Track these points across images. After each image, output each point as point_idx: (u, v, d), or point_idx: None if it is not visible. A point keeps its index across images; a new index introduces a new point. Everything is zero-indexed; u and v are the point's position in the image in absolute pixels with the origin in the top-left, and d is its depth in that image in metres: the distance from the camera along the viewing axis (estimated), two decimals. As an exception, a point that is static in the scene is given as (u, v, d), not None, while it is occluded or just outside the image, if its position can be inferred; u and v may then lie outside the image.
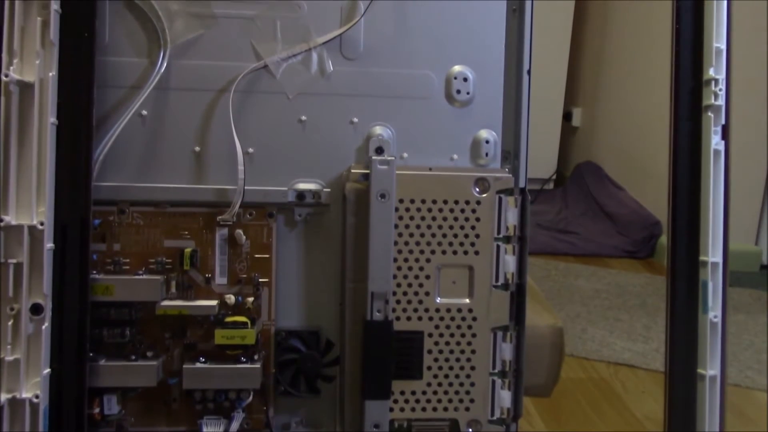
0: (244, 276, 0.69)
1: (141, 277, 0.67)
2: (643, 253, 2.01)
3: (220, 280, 0.69)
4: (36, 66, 0.60)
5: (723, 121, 0.70)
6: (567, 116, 2.67)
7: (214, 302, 0.68)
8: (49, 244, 0.61)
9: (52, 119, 0.61)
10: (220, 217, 0.68)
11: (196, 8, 0.67)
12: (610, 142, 2.47)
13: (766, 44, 1.68)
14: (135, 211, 0.68)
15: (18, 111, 0.60)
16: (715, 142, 0.70)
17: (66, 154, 0.62)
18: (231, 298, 0.69)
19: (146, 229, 0.68)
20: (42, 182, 0.60)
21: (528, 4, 0.70)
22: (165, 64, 0.66)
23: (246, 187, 0.67)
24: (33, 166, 0.60)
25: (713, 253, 0.70)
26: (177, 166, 0.68)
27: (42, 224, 0.60)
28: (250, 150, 0.69)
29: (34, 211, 0.60)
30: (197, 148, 0.68)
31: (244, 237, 0.69)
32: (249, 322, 0.68)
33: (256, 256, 0.69)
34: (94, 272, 0.66)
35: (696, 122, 0.71)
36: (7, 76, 0.59)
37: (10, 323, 0.60)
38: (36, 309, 0.60)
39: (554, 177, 2.65)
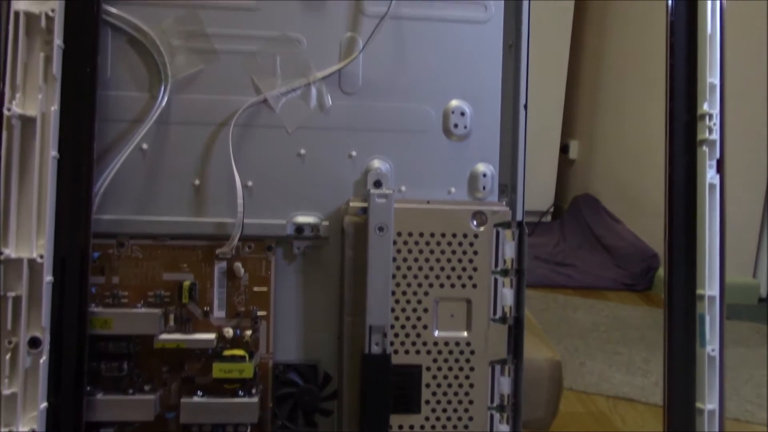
0: (243, 309, 0.69)
1: (139, 310, 0.67)
2: (641, 286, 2.01)
3: (218, 313, 0.69)
4: (38, 100, 0.61)
5: (718, 156, 0.71)
6: (564, 149, 2.68)
7: (212, 335, 0.68)
8: (48, 278, 0.61)
9: (54, 153, 0.61)
10: (219, 250, 0.68)
11: (197, 43, 0.68)
12: (606, 174, 2.48)
13: (766, 78, 1.69)
14: (134, 244, 0.68)
15: (19, 144, 0.61)
16: (710, 176, 0.70)
17: (67, 187, 0.62)
18: (229, 332, 0.69)
19: (145, 262, 0.68)
20: (42, 215, 0.61)
21: (524, 40, 0.71)
22: (166, 99, 0.67)
23: (245, 221, 0.67)
24: (33, 200, 0.60)
25: (710, 287, 0.70)
26: (177, 200, 0.68)
27: (42, 257, 0.60)
28: (250, 183, 0.69)
29: (34, 244, 0.60)
30: (197, 182, 0.68)
31: (242, 270, 0.69)
32: (247, 356, 0.68)
33: (255, 289, 0.69)
34: (93, 305, 0.66)
35: (691, 156, 0.71)
36: (9, 110, 0.60)
37: (7, 357, 0.60)
38: (34, 342, 0.60)
39: (552, 209, 2.66)
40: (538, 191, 2.56)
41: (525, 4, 0.71)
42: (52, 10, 0.61)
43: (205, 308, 0.69)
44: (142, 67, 0.67)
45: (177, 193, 0.68)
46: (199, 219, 0.68)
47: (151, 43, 0.67)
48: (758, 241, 1.90)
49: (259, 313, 0.69)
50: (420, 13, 0.70)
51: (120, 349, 0.67)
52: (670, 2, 0.72)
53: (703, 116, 0.71)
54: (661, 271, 1.98)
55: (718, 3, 0.71)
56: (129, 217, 0.67)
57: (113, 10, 0.66)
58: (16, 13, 0.60)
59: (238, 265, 0.69)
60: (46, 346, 0.61)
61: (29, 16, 0.61)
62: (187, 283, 0.68)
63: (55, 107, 0.61)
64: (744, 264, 1.90)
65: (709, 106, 0.70)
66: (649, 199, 2.12)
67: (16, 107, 0.60)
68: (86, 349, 0.63)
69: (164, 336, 0.67)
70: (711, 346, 0.70)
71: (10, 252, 0.60)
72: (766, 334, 1.65)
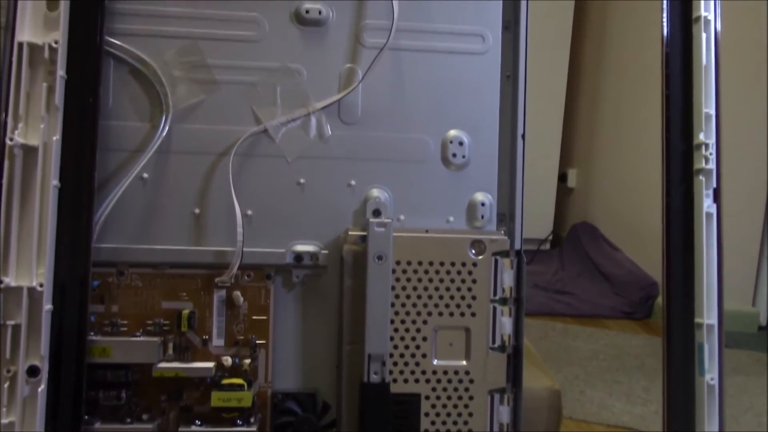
0: (242, 338, 0.69)
1: (138, 338, 0.67)
2: (640, 314, 2.01)
3: (217, 341, 0.69)
4: (40, 130, 0.61)
5: (714, 185, 0.71)
6: (562, 177, 2.69)
7: (210, 364, 0.68)
8: (47, 306, 0.61)
9: (55, 182, 0.62)
10: (218, 278, 0.68)
11: (198, 74, 0.69)
12: (605, 202, 2.49)
13: (765, 108, 1.71)
14: (134, 272, 0.68)
15: (21, 173, 0.61)
16: (707, 205, 0.71)
17: (67, 216, 0.62)
18: (228, 360, 0.69)
19: (144, 291, 0.68)
20: (43, 244, 0.61)
21: (521, 71, 0.72)
22: (167, 128, 0.68)
23: (244, 249, 0.67)
24: (34, 228, 0.61)
25: (708, 316, 0.70)
26: (177, 228, 0.69)
27: (41, 285, 0.60)
28: (249, 212, 0.69)
29: (34, 272, 0.61)
30: (197, 210, 0.69)
31: (242, 298, 0.69)
32: (245, 385, 0.67)
33: (254, 317, 0.69)
34: (92, 333, 0.66)
35: (688, 185, 0.72)
36: (11, 140, 0.60)
37: (6, 385, 0.60)
38: (33, 371, 0.60)
39: (551, 237, 2.66)
40: (537, 219, 2.57)
41: (522, 35, 0.72)
42: (56, 42, 0.62)
43: (204, 337, 0.69)
44: (143, 98, 0.68)
45: (177, 222, 0.69)
46: (198, 248, 0.69)
47: (152, 74, 0.68)
48: (757, 269, 1.90)
49: (258, 342, 0.69)
50: (418, 45, 0.71)
51: (118, 378, 0.67)
52: (665, 33, 0.73)
53: (699, 146, 0.71)
54: (660, 300, 1.98)
55: (712, 34, 0.72)
56: (129, 245, 0.68)
57: (116, 41, 0.67)
58: (20, 44, 0.61)
59: (237, 293, 0.69)
60: (44, 375, 0.61)
61: (33, 47, 0.62)
62: (186, 312, 0.68)
63: (56, 137, 0.62)
64: (743, 292, 1.90)
65: (705, 135, 0.71)
66: (647, 227, 2.12)
67: (18, 137, 0.61)
68: (84, 377, 0.63)
69: (163, 365, 0.67)
70: (710, 375, 0.70)
71: (10, 280, 0.60)
72: (765, 363, 1.65)
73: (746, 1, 1.60)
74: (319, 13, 0.69)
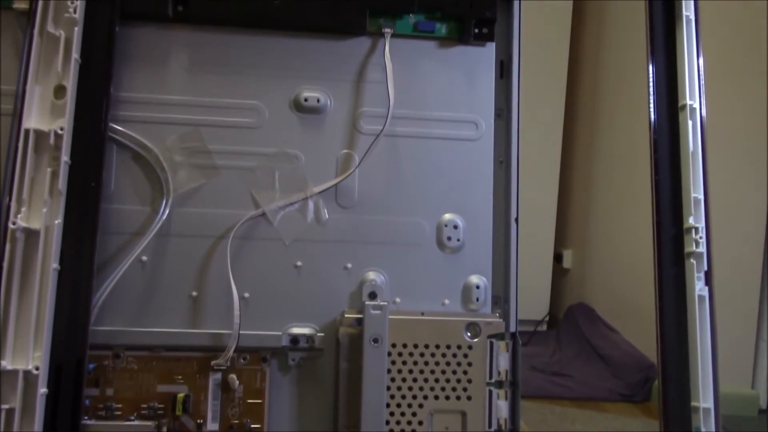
0: (236, 422, 0.69)
1: (132, 423, 0.67)
2: (639, 397, 1.98)
3: (211, 425, 0.68)
4: (43, 214, 0.62)
5: (705, 268, 0.72)
6: (558, 258, 2.70)
7: (204, 449, 0.67)
8: (42, 389, 0.61)
9: (55, 265, 0.62)
10: (214, 362, 0.68)
11: (198, 159, 0.70)
12: (601, 283, 2.49)
13: (766, 192, 1.73)
14: (130, 355, 0.68)
15: (22, 256, 0.62)
16: (699, 288, 0.72)
17: (66, 299, 0.63)
18: (222, 445, 0.68)
19: (140, 374, 0.68)
20: (40, 327, 0.61)
21: (514, 157, 0.74)
22: (167, 212, 0.69)
23: (241, 332, 0.68)
24: (33, 312, 0.61)
25: (704, 399, 0.70)
26: (174, 311, 0.69)
27: (37, 369, 0.60)
28: (246, 294, 0.70)
29: (31, 355, 0.61)
30: (194, 293, 0.69)
31: (237, 382, 0.69)
32: (239, 470, 0.67)
33: (249, 401, 0.69)
34: (86, 418, 0.65)
35: (680, 268, 0.73)
36: (14, 223, 0.61)
37: (-3, 471, 0.59)
38: (25, 456, 0.60)
39: (547, 318, 2.65)
40: (533, 300, 2.56)
41: (514, 123, 0.74)
42: (61, 128, 0.63)
43: (198, 420, 0.68)
44: (144, 182, 0.70)
45: (174, 305, 0.69)
46: (195, 330, 0.69)
47: (154, 159, 0.69)
48: (755, 350, 1.89)
49: (253, 426, 0.69)
50: (413, 131, 0.73)
51: (111, 463, 0.66)
52: (652, 119, 0.75)
53: (689, 229, 0.72)
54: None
55: (698, 121, 0.74)
56: (126, 328, 0.68)
57: (119, 127, 0.69)
58: (27, 131, 0.63)
59: (232, 377, 0.68)
60: (37, 461, 0.60)
61: (39, 133, 0.63)
62: (181, 396, 0.68)
63: (58, 221, 0.63)
64: (741, 375, 1.88)
65: (695, 219, 0.72)
66: (644, 308, 2.12)
67: (21, 221, 0.62)
68: (77, 463, 0.62)
69: (156, 450, 0.66)
70: (709, 460, 0.70)
71: (6, 364, 0.60)
72: (767, 447, 1.62)
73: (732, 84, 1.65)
74: (318, 101, 0.72)
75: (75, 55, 0.64)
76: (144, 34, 0.70)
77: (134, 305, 0.69)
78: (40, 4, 0.64)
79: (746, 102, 1.67)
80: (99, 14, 0.66)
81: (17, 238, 0.62)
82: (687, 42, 0.75)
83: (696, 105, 0.74)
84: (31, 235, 0.62)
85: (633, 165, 2.17)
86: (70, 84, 0.64)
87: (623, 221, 2.30)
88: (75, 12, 0.65)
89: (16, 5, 0.67)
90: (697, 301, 0.71)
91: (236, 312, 0.68)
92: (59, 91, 0.64)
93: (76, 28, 0.65)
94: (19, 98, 0.63)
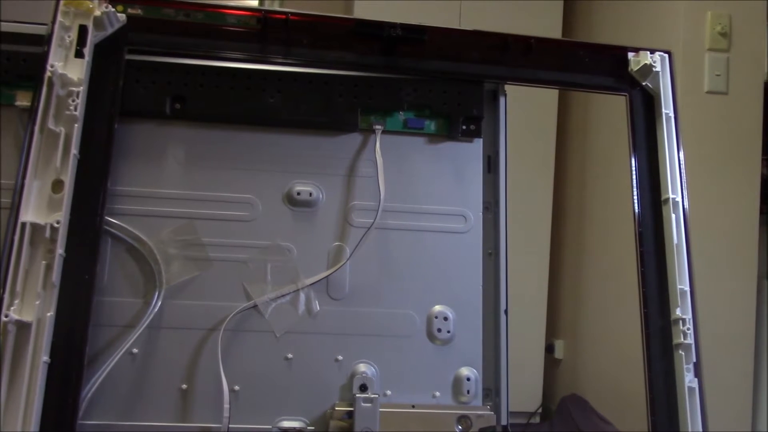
0: None
1: None
2: (635, 492, 1.94)
3: None
4: (35, 306, 0.62)
5: (694, 359, 0.72)
6: (549, 348, 2.69)
7: None
8: (27, 487, 0.59)
9: (45, 358, 0.62)
10: (202, 456, 0.67)
11: (192, 252, 0.71)
12: (593, 374, 2.47)
13: (754, 284, 1.74)
14: (117, 450, 0.67)
15: (12, 349, 0.61)
16: (689, 379, 0.72)
17: (54, 392, 0.62)
18: None
19: (127, 470, 0.67)
20: (28, 422, 0.60)
21: (502, 248, 0.75)
22: (159, 304, 0.69)
23: (230, 426, 0.67)
24: (21, 405, 0.60)
25: (698, 494, 0.69)
26: (163, 405, 0.68)
27: (23, 464, 0.59)
28: (236, 387, 0.70)
29: (17, 450, 0.60)
30: (184, 386, 0.69)
31: (225, 477, 0.68)
32: None
33: (237, 497, 0.68)
34: None
35: (669, 360, 0.73)
36: (7, 316, 0.61)
37: None
38: None
39: (540, 410, 2.61)
40: (525, 392, 2.53)
41: (502, 215, 0.76)
42: (57, 222, 0.64)
43: None
44: (138, 274, 0.70)
45: (164, 398, 0.69)
46: (184, 424, 0.68)
47: (148, 252, 0.70)
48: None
49: None
50: (404, 225, 0.74)
51: None
52: (636, 212, 0.77)
53: (677, 321, 0.73)
54: (654, 476, 1.92)
55: (681, 214, 0.76)
56: (114, 422, 0.67)
57: (115, 221, 0.70)
58: (23, 224, 0.64)
59: (221, 472, 0.67)
60: None
61: (35, 227, 0.64)
62: (168, 492, 0.66)
63: (51, 313, 0.63)
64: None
65: (682, 311, 0.73)
66: (636, 398, 2.10)
67: (13, 313, 0.61)
68: None
69: None
70: None
71: (-8, 459, 0.59)
72: None
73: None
74: (310, 194, 0.73)
75: (74, 150, 0.66)
76: (142, 131, 0.72)
77: (123, 398, 0.68)
78: (42, 101, 0.66)
79: (729, 192, 1.71)
80: (99, 111, 0.68)
81: (9, 331, 0.61)
82: (667, 138, 0.77)
83: (678, 198, 0.76)
84: (22, 327, 0.62)
85: (623, 254, 2.19)
86: (68, 179, 0.65)
87: (614, 311, 2.30)
88: (75, 109, 0.66)
89: (18, 102, 0.70)
90: (687, 393, 0.71)
91: (226, 405, 0.67)
92: (57, 185, 0.65)
93: (76, 125, 0.66)
94: (18, 192, 0.64)
